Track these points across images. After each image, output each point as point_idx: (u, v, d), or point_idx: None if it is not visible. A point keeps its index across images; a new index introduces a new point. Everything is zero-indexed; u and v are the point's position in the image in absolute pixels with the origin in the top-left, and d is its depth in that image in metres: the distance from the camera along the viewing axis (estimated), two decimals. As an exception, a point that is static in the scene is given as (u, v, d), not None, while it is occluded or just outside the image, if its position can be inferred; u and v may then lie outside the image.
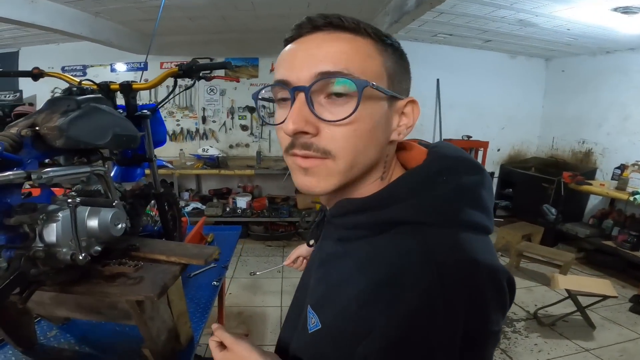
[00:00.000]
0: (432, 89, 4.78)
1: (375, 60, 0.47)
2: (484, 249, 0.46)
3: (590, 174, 4.34)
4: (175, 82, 1.44)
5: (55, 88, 4.32)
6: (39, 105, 4.56)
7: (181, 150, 4.53)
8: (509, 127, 5.22)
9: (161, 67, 4.47)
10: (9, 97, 4.49)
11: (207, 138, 4.77)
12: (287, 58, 0.48)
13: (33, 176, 0.79)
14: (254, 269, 3.70)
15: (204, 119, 4.73)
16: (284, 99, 0.49)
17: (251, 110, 4.70)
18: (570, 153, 4.84)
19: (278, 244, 4.36)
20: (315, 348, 0.54)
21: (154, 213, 1.58)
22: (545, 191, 4.27)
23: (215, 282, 1.74)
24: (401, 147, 0.58)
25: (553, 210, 3.96)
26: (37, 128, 0.88)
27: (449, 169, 0.51)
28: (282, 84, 0.47)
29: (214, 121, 4.76)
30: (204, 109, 4.71)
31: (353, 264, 0.51)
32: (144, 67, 4.14)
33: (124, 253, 1.08)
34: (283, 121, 0.47)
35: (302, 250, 1.19)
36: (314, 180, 0.49)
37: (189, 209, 4.26)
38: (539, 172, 4.70)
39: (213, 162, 4.20)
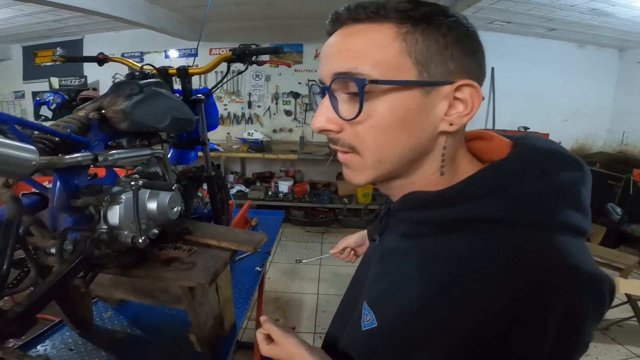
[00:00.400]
0: (487, 78, 4.49)
1: (391, 50, 0.43)
2: (583, 254, 0.41)
3: (665, 172, 3.90)
4: (228, 67, 1.45)
5: (116, 74, 4.56)
6: (102, 90, 4.87)
7: (228, 133, 4.64)
8: (573, 119, 4.80)
9: (210, 54, 4.57)
10: (75, 82, 4.83)
11: (252, 122, 4.85)
12: (321, 56, 0.48)
13: (100, 158, 0.81)
14: (293, 254, 3.75)
15: (249, 104, 4.81)
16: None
17: (295, 95, 4.71)
18: (642, 149, 4.37)
19: (317, 230, 4.38)
20: (367, 346, 0.52)
21: (203, 195, 1.63)
22: (612, 189, 3.90)
23: (258, 268, 1.77)
24: (477, 137, 0.53)
25: (618, 209, 3.62)
26: (103, 111, 0.90)
27: (542, 163, 0.45)
28: (319, 81, 0.48)
29: (259, 106, 4.83)
30: (249, 94, 4.79)
31: (417, 262, 0.48)
32: (195, 54, 4.25)
33: (178, 236, 1.10)
34: None
35: (350, 241, 1.16)
36: (350, 172, 0.50)
37: (233, 191, 4.38)
38: (604, 168, 4.30)
39: (257, 146, 4.27)
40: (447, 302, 0.41)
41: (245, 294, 1.54)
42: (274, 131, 4.85)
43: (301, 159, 4.32)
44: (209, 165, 1.53)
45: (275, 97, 4.77)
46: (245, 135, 4.47)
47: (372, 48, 0.43)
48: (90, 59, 1.43)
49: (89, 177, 0.90)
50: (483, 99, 0.47)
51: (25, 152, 0.62)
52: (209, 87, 1.47)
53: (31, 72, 5.00)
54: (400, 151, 0.46)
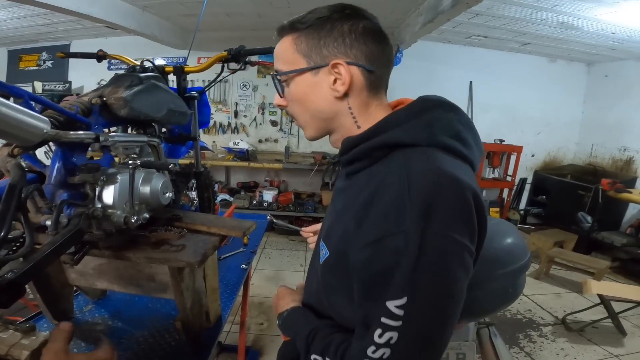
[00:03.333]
0: (464, 91, 4.70)
1: (289, 51, 0.65)
2: (452, 166, 0.55)
3: (630, 182, 4.14)
4: (223, 67, 1.51)
5: (101, 80, 4.55)
6: None
7: (213, 142, 4.67)
8: (545, 132, 5.05)
9: (198, 62, 4.63)
10: (58, 87, 4.79)
11: (238, 132, 4.89)
12: None
13: (101, 138, 0.85)
14: (277, 262, 3.77)
15: (235, 114, 4.86)
16: None
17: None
18: (610, 161, 4.62)
19: (301, 239, 4.39)
20: (323, 274, 0.65)
21: (191, 194, 1.66)
22: (582, 199, 4.10)
23: (244, 266, 1.80)
24: (399, 103, 0.71)
25: (589, 218, 3.80)
26: (104, 98, 0.95)
27: (428, 108, 0.62)
28: None
29: (245, 116, 4.88)
30: (236, 104, 4.84)
31: (353, 192, 0.62)
32: (183, 62, 4.31)
33: (167, 222, 1.13)
34: None
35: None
36: (303, 132, 0.72)
37: (217, 199, 4.38)
38: (575, 179, 4.52)
39: (243, 155, 4.31)
40: (371, 213, 0.54)
41: (231, 289, 1.57)
42: (260, 141, 4.90)
43: (286, 169, 4.38)
44: (198, 161, 1.57)
45: (262, 107, 4.84)
46: (230, 145, 4.51)
47: (282, 52, 0.67)
48: (90, 56, 1.47)
49: (79, 159, 0.94)
50: (370, 72, 0.64)
51: (38, 120, 0.67)
52: (198, 89, 1.53)
53: (15, 76, 4.94)
54: (311, 113, 0.67)
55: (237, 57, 1.44)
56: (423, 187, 0.51)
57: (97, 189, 0.90)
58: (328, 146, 4.77)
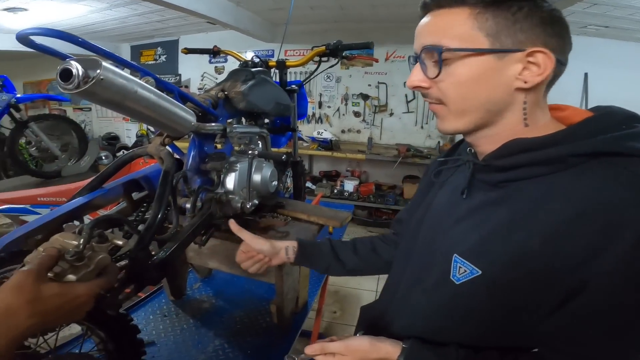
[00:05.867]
0: (577, 84, 4.16)
1: (465, 26, 0.55)
2: None
3: None
4: (320, 61, 1.56)
5: (204, 73, 5.04)
6: (192, 86, 5.31)
7: (299, 131, 4.84)
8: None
9: (285, 55, 4.82)
10: (171, 79, 5.41)
11: (321, 122, 5.01)
12: (415, 34, 0.61)
13: (228, 129, 0.96)
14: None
15: (320, 104, 4.97)
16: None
17: (364, 97, 4.76)
18: None
19: (379, 231, 4.39)
20: (467, 295, 0.57)
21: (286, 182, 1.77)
22: None
23: (329, 254, 1.84)
24: (553, 108, 0.61)
25: None
26: (225, 92, 1.06)
27: (626, 120, 0.54)
28: (414, 53, 0.61)
29: (328, 106, 4.97)
30: (320, 95, 4.95)
31: (523, 204, 0.54)
32: (271, 55, 4.54)
33: (272, 209, 1.23)
34: None
35: (265, 247, 0.91)
36: (440, 122, 0.62)
37: (303, 187, 4.56)
38: None
39: (326, 145, 4.41)
40: (588, 233, 0.47)
41: (317, 277, 1.64)
42: (342, 131, 4.95)
43: (368, 160, 4.37)
44: (296, 150, 1.67)
45: (345, 98, 4.87)
46: (314, 134, 4.64)
47: (451, 26, 0.56)
48: (207, 51, 1.65)
49: (209, 148, 1.06)
50: (562, 65, 0.56)
51: (189, 114, 0.77)
52: (297, 83, 1.61)
53: (136, 70, 5.70)
54: (478, 101, 0.56)
55: (335, 51, 1.47)
56: None
57: (222, 176, 1.02)
58: (412, 138, 4.68)
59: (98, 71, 0.53)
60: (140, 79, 0.70)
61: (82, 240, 0.58)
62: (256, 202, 1.14)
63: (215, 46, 1.65)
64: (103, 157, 4.79)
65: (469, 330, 0.60)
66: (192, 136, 0.96)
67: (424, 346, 0.61)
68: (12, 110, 2.85)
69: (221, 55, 1.70)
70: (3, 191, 2.04)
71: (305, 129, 4.97)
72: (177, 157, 1.01)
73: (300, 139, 1.83)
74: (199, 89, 5.36)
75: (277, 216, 1.16)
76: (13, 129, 2.94)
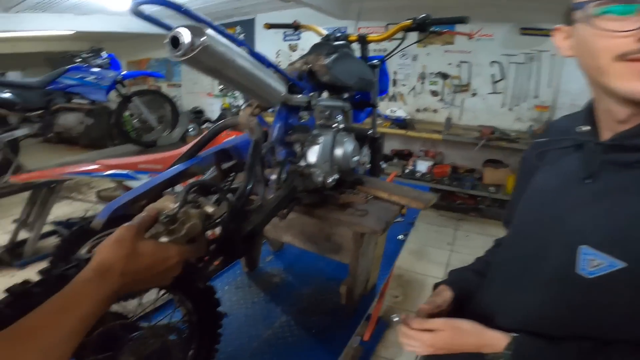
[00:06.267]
0: None
1: None
2: None
3: None
4: (404, 37, 1.47)
5: (279, 50, 5.14)
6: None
7: (372, 109, 4.74)
8: None
9: (358, 31, 4.67)
10: (250, 57, 5.62)
11: (395, 100, 4.82)
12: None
13: (312, 102, 0.94)
14: (423, 236, 3.66)
15: (394, 82, 4.77)
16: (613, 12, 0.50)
17: (444, 76, 4.47)
18: None
19: (452, 216, 4.17)
20: (608, 292, 0.51)
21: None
22: None
23: (401, 237, 1.78)
24: None
25: None
26: (309, 65, 1.04)
27: None
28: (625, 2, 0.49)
29: (403, 84, 4.76)
30: (395, 73, 4.74)
31: None
32: (344, 31, 4.44)
33: (351, 185, 1.20)
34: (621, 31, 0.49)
35: (444, 298, 0.83)
36: None
37: (372, 166, 4.48)
38: None
39: (400, 123, 4.25)
40: None
41: (387, 260, 1.58)
42: (417, 110, 4.73)
43: (445, 140, 4.13)
44: (375, 126, 1.61)
45: (422, 76, 4.63)
46: (388, 112, 4.49)
47: None
48: (288, 26, 1.65)
49: (293, 120, 1.06)
50: None
51: (280, 85, 0.77)
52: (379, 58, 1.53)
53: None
54: None
55: (422, 26, 1.37)
56: None
57: (305, 148, 1.01)
58: (498, 120, 4.28)
59: (203, 38, 0.54)
60: (236, 48, 0.70)
61: (177, 203, 0.60)
62: (337, 176, 1.12)
63: (295, 21, 1.65)
64: (190, 129, 5.21)
65: (597, 324, 0.53)
66: (278, 108, 0.96)
67: (536, 339, 0.56)
68: (118, 85, 3.21)
69: (301, 30, 1.68)
70: (108, 158, 2.32)
71: (379, 106, 4.84)
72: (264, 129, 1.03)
73: (379, 115, 1.77)
74: (274, 65, 5.55)
75: (357, 193, 1.13)
76: (119, 102, 3.32)
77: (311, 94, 1.11)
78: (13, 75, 5.48)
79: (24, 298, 0.58)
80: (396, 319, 0.68)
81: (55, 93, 2.90)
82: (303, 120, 1.08)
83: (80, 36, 5.43)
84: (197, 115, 6.04)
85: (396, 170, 4.09)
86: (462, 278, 0.84)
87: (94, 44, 3.62)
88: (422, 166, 4.28)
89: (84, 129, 3.18)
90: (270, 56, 5.31)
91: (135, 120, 3.49)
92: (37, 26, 4.19)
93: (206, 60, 0.58)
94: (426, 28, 1.37)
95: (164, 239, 0.59)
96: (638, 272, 0.48)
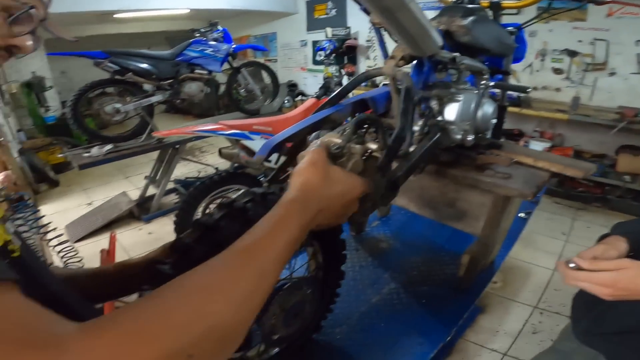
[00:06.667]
0: None
1: None
2: None
3: None
4: (549, 6, 1.29)
5: (370, 27, 4.95)
6: (360, 38, 5.36)
7: (480, 84, 4.36)
8: None
9: None
10: (342, 32, 5.55)
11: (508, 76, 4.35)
12: None
13: (457, 59, 0.87)
14: (532, 223, 3.26)
15: (506, 57, 4.30)
16: None
17: (572, 54, 3.90)
18: None
19: (571, 204, 3.66)
20: None
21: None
22: None
23: (522, 214, 1.63)
24: None
25: None
26: (443, 26, 0.96)
27: None
28: None
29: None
30: (511, 46, 4.26)
31: None
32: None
33: (487, 148, 1.11)
34: None
35: (621, 248, 0.70)
36: None
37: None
38: None
39: (513, 100, 3.82)
40: None
41: (509, 237, 1.45)
42: (535, 88, 4.22)
43: (570, 122, 3.61)
44: (504, 96, 1.47)
45: (542, 53, 4.10)
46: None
47: None
48: None
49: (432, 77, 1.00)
50: None
51: (437, 35, 0.73)
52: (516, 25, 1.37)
53: (312, 23, 6.06)
54: None
55: None
56: None
57: (443, 105, 0.95)
58: (640, 101, 3.61)
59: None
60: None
61: (345, 135, 0.60)
62: (473, 137, 1.04)
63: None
64: (285, 101, 5.41)
65: None
66: (418, 62, 0.91)
67: None
68: (229, 58, 3.45)
69: None
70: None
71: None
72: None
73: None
74: (367, 40, 5.37)
75: (499, 154, 1.03)
76: (230, 73, 3.59)
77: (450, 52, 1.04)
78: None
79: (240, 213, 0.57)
80: (572, 265, 0.62)
81: (182, 64, 3.23)
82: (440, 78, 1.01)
83: (192, 15, 5.96)
84: (291, 88, 6.24)
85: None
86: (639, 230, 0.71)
87: (205, 22, 3.91)
88: (537, 147, 3.80)
89: (204, 97, 3.51)
90: (364, 32, 5.22)
91: (242, 90, 3.74)
92: (160, 4, 4.74)
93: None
94: None
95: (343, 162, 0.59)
96: None
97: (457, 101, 0.95)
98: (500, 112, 1.49)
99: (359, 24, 5.36)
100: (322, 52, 5.53)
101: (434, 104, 0.96)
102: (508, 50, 1.17)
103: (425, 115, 0.88)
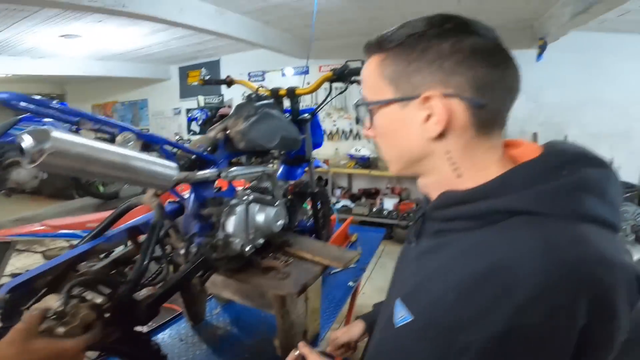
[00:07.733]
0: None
1: (374, 75, 0.53)
2: (611, 245, 0.43)
3: None
4: (331, 87, 1.50)
5: (244, 92, 5.22)
6: (234, 106, 5.59)
7: (336, 149, 4.82)
8: None
9: (319, 71, 4.84)
10: (215, 100, 5.68)
11: (360, 138, 4.94)
12: None
13: (222, 174, 0.95)
14: (390, 274, 3.62)
15: (357, 120, 4.90)
16: None
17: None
18: None
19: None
20: (401, 340, 0.53)
21: (309, 207, 1.72)
22: None
23: (351, 283, 1.77)
24: (509, 144, 0.56)
25: None
26: (228, 132, 1.05)
27: (569, 162, 0.48)
28: None
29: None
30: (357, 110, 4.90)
31: (450, 256, 0.50)
32: (306, 71, 4.60)
33: (279, 247, 1.20)
34: None
35: (355, 332, 0.97)
36: (388, 166, 0.60)
37: (338, 205, 4.51)
38: None
39: (364, 162, 4.33)
40: (489, 288, 0.42)
41: (334, 307, 1.56)
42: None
43: (409, 177, 4.21)
44: (312, 181, 1.61)
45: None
46: (352, 151, 4.58)
47: (366, 76, 0.55)
48: (222, 82, 1.68)
49: (215, 190, 1.06)
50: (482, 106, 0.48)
51: (168, 169, 0.77)
52: (310, 111, 1.55)
53: (185, 90, 6.07)
54: (396, 152, 0.56)
55: (342, 77, 1.42)
56: (586, 286, 0.40)
57: (222, 220, 1.01)
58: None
59: (48, 144, 0.53)
60: (118, 135, 0.70)
61: (61, 301, 0.63)
62: (261, 241, 1.12)
63: (228, 76, 1.67)
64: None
65: None
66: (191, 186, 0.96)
67: None
68: (72, 136, 3.15)
69: (234, 84, 1.69)
70: (69, 212, 2.21)
71: (344, 146, 4.93)
72: (180, 201, 1.02)
73: (318, 167, 1.79)
74: (242, 108, 5.59)
75: (279, 257, 1.13)
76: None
77: (234, 159, 1.12)
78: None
79: None
80: (297, 352, 0.72)
81: (7, 146, 2.82)
82: (224, 190, 1.08)
83: (41, 79, 5.42)
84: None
85: (351, 217, 4.10)
86: (377, 312, 0.89)
87: (57, 86, 3.58)
88: (389, 204, 4.33)
89: (39, 184, 3.07)
90: (238, 98, 5.45)
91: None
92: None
93: (59, 163, 0.57)
94: (346, 78, 1.41)
95: (60, 330, 0.63)
96: (420, 325, 0.49)
97: (234, 214, 1.01)
98: (314, 197, 1.65)
99: (232, 92, 5.54)
100: (194, 122, 5.53)
101: (213, 220, 1.00)
102: (295, 143, 1.27)
103: (188, 239, 0.92)
